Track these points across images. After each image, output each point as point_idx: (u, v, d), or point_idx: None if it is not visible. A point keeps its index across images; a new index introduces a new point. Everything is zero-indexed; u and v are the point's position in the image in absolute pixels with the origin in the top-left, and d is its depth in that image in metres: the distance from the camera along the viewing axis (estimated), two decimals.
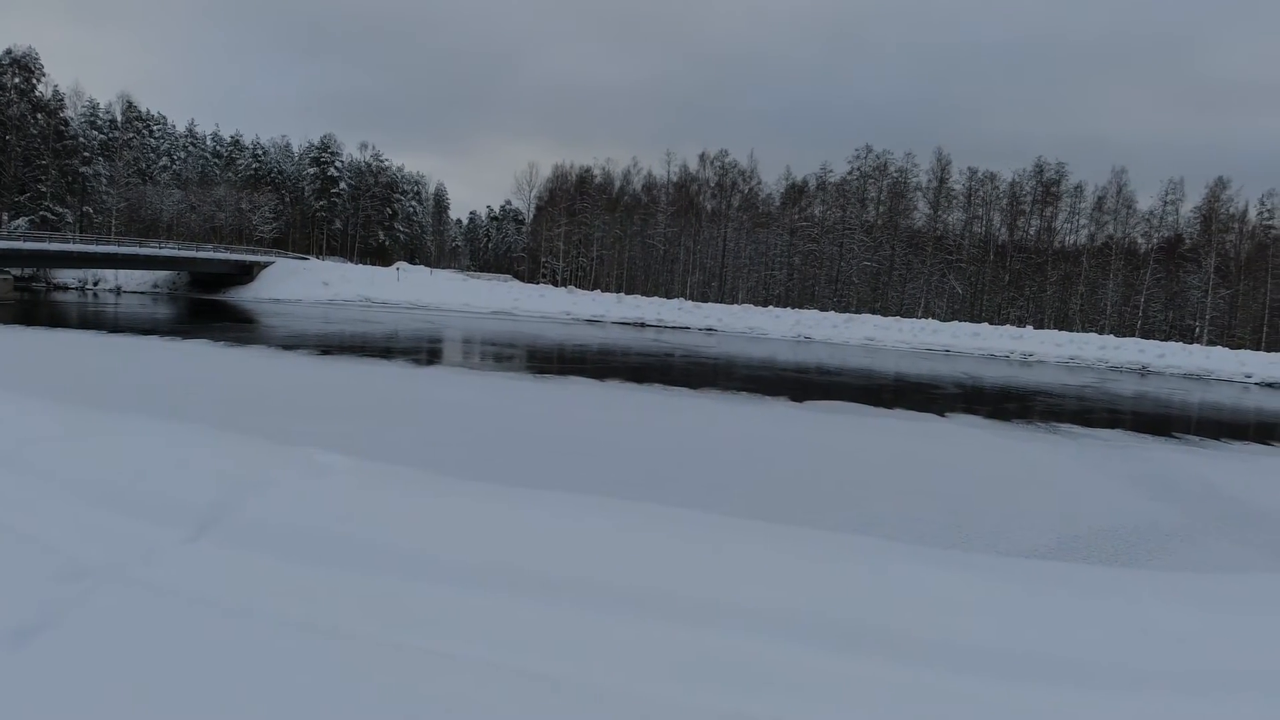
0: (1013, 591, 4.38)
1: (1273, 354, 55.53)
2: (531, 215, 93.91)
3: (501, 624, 3.71)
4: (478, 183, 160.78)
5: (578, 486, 7.65)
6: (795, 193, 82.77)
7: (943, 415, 17.07)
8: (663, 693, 3.30)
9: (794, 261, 79.27)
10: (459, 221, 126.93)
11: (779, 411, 15.34)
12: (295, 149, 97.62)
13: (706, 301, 67.50)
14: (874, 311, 67.90)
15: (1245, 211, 75.51)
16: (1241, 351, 53.16)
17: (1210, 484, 11.58)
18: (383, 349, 20.58)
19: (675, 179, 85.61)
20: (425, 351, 21.21)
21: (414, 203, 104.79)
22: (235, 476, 5.07)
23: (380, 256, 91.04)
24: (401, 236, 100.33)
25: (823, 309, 66.41)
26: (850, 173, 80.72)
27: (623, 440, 10.75)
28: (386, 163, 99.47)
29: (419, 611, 3.79)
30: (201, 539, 4.34)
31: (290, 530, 4.46)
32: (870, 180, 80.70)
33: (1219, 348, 55.35)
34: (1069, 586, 4.51)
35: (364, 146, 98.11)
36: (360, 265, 71.40)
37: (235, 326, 27.53)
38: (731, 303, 69.09)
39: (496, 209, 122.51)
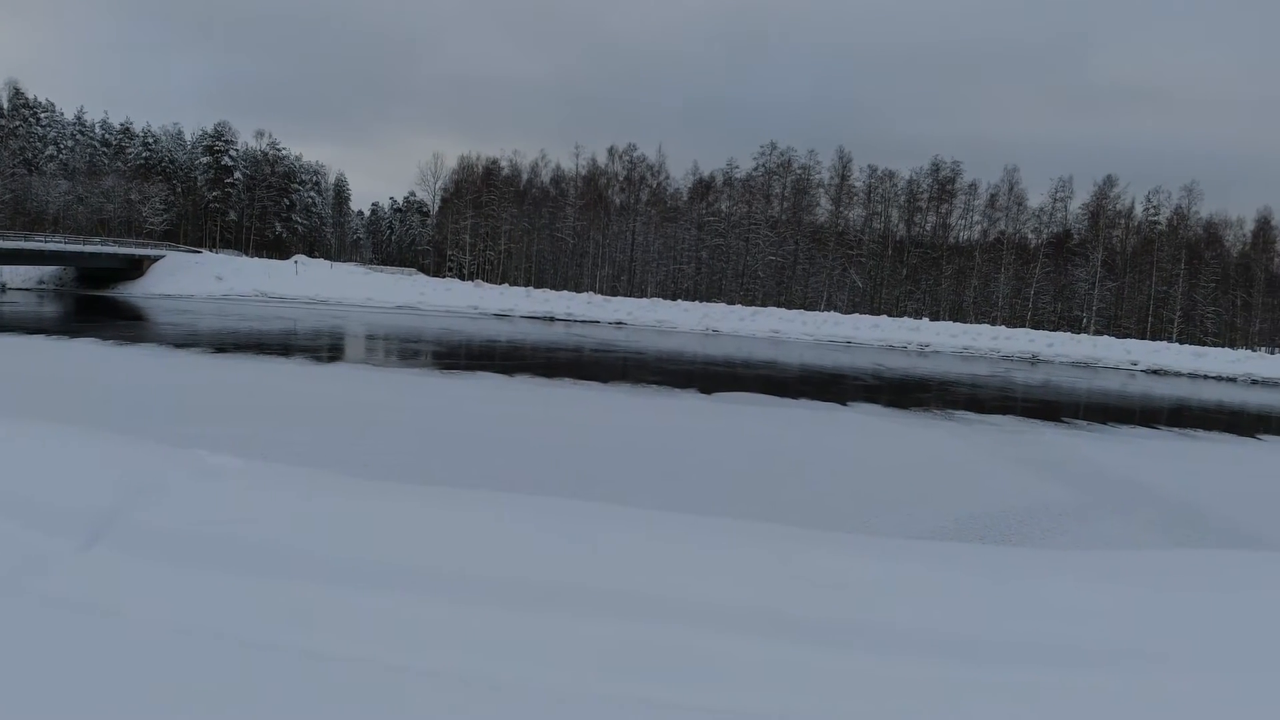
0: (916, 572, 4.50)
1: (1156, 342, 58.88)
2: (437, 207, 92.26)
3: (406, 624, 3.62)
4: (381, 173, 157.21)
5: (486, 483, 7.55)
6: (703, 188, 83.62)
7: (845, 405, 17.48)
8: (586, 687, 3.27)
9: (702, 256, 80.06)
10: (360, 213, 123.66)
11: (689, 404, 15.46)
12: (188, 137, 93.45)
13: (616, 295, 67.58)
14: (779, 305, 69.13)
15: (1131, 208, 79.77)
16: (1127, 340, 56.25)
17: (1099, 465, 12.16)
18: (280, 346, 19.93)
19: (584, 172, 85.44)
20: (325, 348, 20.64)
21: (313, 193, 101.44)
22: (126, 481, 4.83)
23: (277, 249, 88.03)
24: (300, 228, 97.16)
25: (730, 302, 67.22)
26: (756, 169, 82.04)
27: (532, 436, 10.66)
28: (284, 151, 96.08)
29: (316, 614, 3.67)
30: (95, 547, 4.12)
31: (183, 535, 4.27)
32: (775, 177, 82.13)
33: (1106, 337, 58.37)
34: (968, 566, 4.66)
35: (260, 134, 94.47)
36: (256, 259, 68.98)
37: (125, 324, 26.28)
38: (641, 296, 69.33)
39: (400, 200, 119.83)
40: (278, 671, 3.10)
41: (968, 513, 8.33)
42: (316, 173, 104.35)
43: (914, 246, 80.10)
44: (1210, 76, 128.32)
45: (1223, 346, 66.14)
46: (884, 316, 58.25)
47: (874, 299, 77.42)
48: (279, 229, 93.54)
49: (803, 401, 17.37)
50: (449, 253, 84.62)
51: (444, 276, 75.92)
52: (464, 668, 3.36)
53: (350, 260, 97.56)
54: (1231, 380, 42.29)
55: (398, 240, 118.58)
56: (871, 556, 4.44)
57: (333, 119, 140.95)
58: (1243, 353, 58.47)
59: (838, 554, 4.49)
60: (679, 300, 63.42)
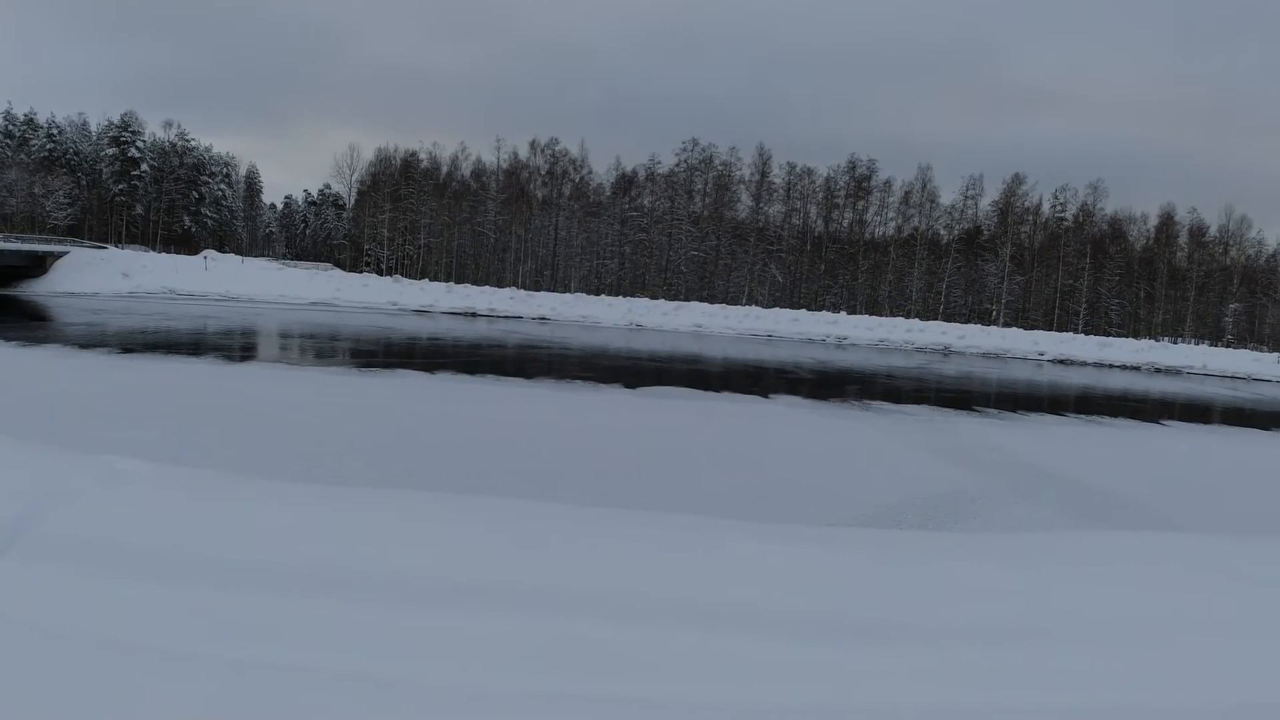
0: (835, 559, 4.62)
1: (1063, 334, 61.26)
2: (353, 200, 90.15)
3: (326, 626, 3.57)
4: (296, 166, 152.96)
5: (407, 482, 7.46)
6: (625, 183, 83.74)
7: (766, 397, 17.75)
8: (511, 684, 3.27)
9: (625, 251, 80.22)
10: (273, 206, 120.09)
11: (613, 398, 15.51)
12: (94, 128, 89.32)
13: (539, 290, 67.20)
14: (702, 299, 69.68)
15: (1039, 205, 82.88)
16: (1034, 332, 58.43)
17: (1008, 452, 12.62)
18: (190, 345, 19.30)
19: (505, 166, 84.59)
20: (237, 347, 20.06)
21: (223, 185, 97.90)
22: (32, 489, 4.65)
23: (186, 245, 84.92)
24: (210, 222, 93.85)
25: (653, 297, 67.49)
26: (678, 165, 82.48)
27: (454, 435, 10.57)
28: (193, 142, 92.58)
29: (232, 619, 3.60)
30: (3, 557, 3.96)
31: (95, 543, 4.13)
32: (697, 173, 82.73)
33: (1014, 329, 60.58)
34: (884, 551, 4.81)
35: (168, 125, 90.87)
36: (164, 254, 66.48)
37: (27, 324, 25.07)
38: (564, 291, 69.11)
39: (315, 193, 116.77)
40: (203, 681, 3.04)
41: (885, 500, 8.56)
42: (227, 164, 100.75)
43: (832, 242, 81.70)
44: (1113, 80, 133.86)
45: (1127, 337, 69.22)
46: (803, 311, 59.30)
47: (794, 293, 78.68)
48: (188, 223, 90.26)
49: (726, 395, 17.58)
50: (366, 247, 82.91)
51: (361, 272, 74.37)
52: (387, 670, 3.34)
53: (262, 255, 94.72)
54: (1135, 369, 44.24)
55: (312, 234, 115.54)
56: (790, 544, 4.54)
57: (246, 110, 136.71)
58: (1146, 343, 61.31)
59: (757, 543, 4.58)
60: (603, 295, 63.47)
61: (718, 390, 18.29)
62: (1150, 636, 4.15)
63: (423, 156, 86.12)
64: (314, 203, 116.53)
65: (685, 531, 4.77)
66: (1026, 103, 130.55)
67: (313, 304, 45.68)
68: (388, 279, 61.71)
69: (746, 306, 60.44)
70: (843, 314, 58.80)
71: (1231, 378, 44.07)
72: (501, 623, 3.66)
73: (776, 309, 59.86)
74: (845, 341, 45.64)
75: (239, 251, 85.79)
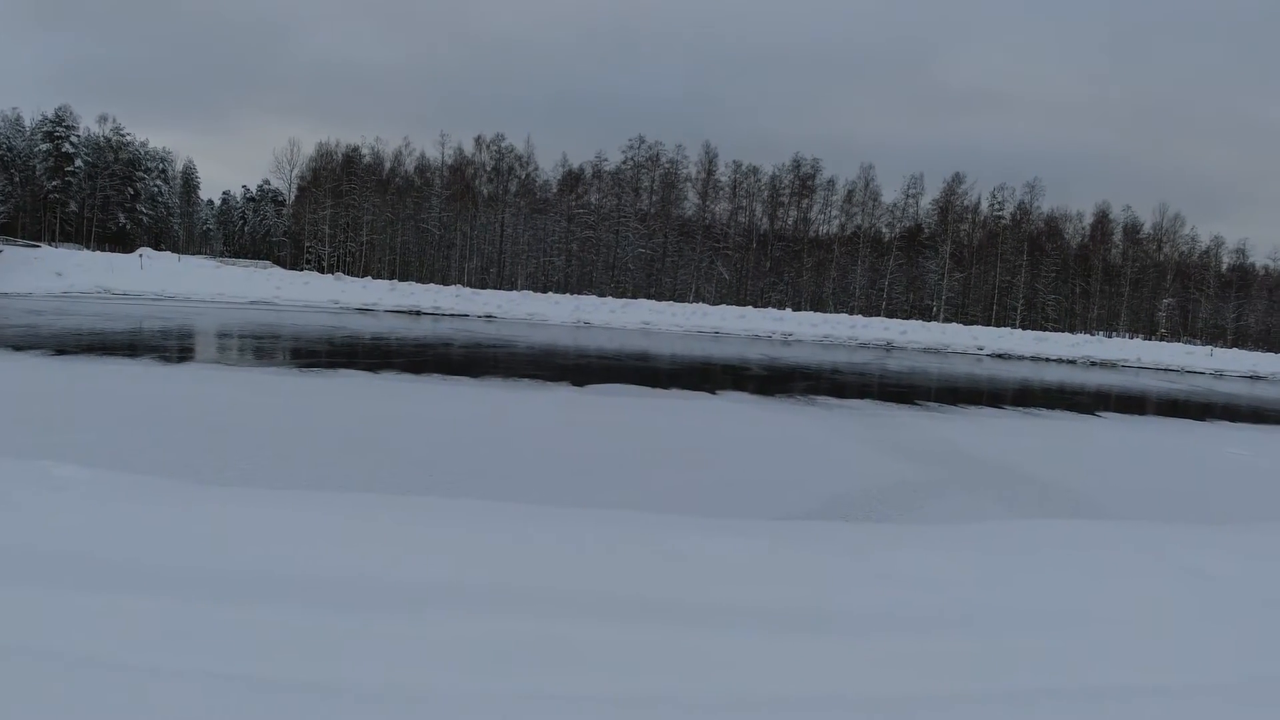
0: (785, 553, 4.69)
1: (1001, 329, 62.78)
2: (293, 196, 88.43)
3: (260, 633, 3.52)
4: (235, 161, 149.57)
5: (348, 485, 7.37)
6: (572, 180, 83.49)
7: (715, 393, 17.88)
8: (459, 683, 3.26)
9: (572, 248, 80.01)
10: (210, 203, 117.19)
11: (561, 396, 15.48)
12: (27, 123, 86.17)
13: (485, 288, 66.64)
14: (649, 296, 69.82)
15: (978, 204, 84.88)
16: (974, 327, 59.82)
17: (950, 444, 12.89)
18: (126, 346, 18.79)
19: (450, 162, 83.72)
20: (174, 348, 19.59)
21: (159, 181, 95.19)
22: None
23: (121, 242, 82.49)
24: (145, 219, 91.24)
25: (601, 294, 67.45)
26: (624, 162, 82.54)
27: (397, 435, 10.46)
28: (129, 137, 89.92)
29: (178, 629, 3.53)
30: None
31: (31, 551, 4.01)
32: (644, 170, 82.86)
33: (954, 324, 61.95)
34: (834, 543, 4.90)
35: (103, 119, 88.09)
36: (99, 252, 64.49)
37: None
38: (511, 289, 68.68)
39: (253, 189, 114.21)
40: (127, 690, 2.98)
41: (832, 492, 8.69)
42: (163, 160, 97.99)
43: (777, 240, 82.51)
44: (1049, 82, 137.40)
45: (1063, 332, 71.11)
46: (749, 307, 59.74)
47: (740, 290, 79.28)
48: (123, 220, 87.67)
49: (674, 391, 17.66)
50: (307, 244, 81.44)
51: (302, 270, 73.06)
52: (317, 676, 3.31)
53: (200, 253, 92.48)
54: (1071, 363, 45.42)
55: (251, 231, 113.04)
56: (740, 538, 4.60)
57: (185, 104, 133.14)
58: (1081, 337, 63.10)
59: (707, 537, 4.63)
60: (550, 293, 63.21)
61: (666, 387, 18.36)
62: (1088, 617, 4.29)
63: (365, 152, 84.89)
64: (253, 199, 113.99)
65: (636, 528, 4.80)
66: (965, 104, 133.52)
67: (252, 303, 44.73)
68: (329, 277, 60.65)
69: (694, 304, 60.71)
70: (788, 311, 59.45)
71: (1165, 370, 45.50)
72: (459, 624, 3.64)
73: (723, 306, 60.24)
74: (791, 338, 46.11)
75: (175, 249, 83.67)
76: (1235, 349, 69.59)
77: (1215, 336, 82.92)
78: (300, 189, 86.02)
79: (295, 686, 3.09)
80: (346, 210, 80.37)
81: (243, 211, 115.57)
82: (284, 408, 11.69)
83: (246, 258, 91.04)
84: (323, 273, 69.60)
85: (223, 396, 12.40)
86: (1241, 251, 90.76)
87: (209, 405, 11.50)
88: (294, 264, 79.65)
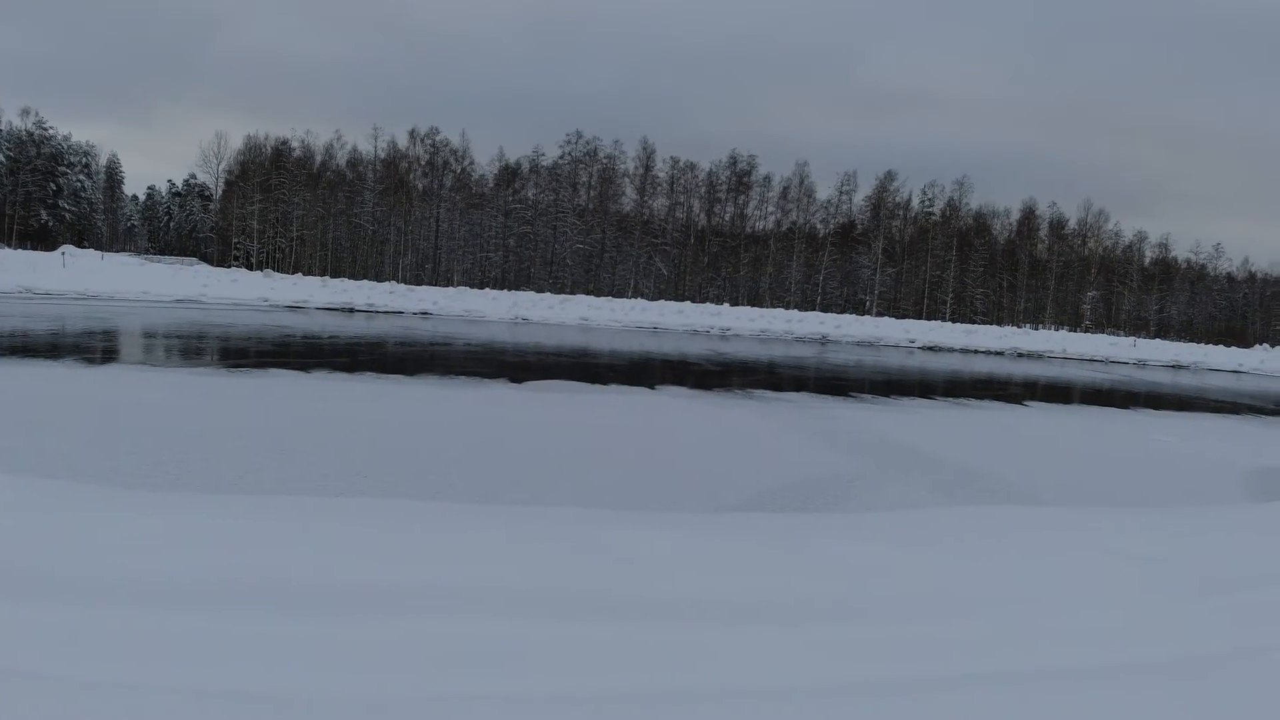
0: (719, 545, 4.68)
1: (932, 322, 64.24)
2: (220, 191, 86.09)
3: (196, 641, 3.39)
4: (161, 155, 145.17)
5: (277, 489, 7.18)
6: (509, 174, 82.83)
7: (653, 388, 17.88)
8: (407, 687, 3.17)
9: (509, 244, 79.43)
10: (135, 198, 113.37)
11: (498, 393, 15.32)
12: None
13: (420, 284, 65.79)
14: (588, 292, 69.71)
15: (909, 201, 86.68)
16: (906, 321, 61.13)
17: (883, 434, 13.08)
18: (48, 347, 18.08)
19: (384, 155, 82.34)
20: (99, 349, 18.91)
21: (82, 176, 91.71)
22: None
23: (43, 240, 79.41)
24: (68, 216, 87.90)
25: (539, 290, 67.11)
26: (562, 157, 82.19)
27: (328, 435, 10.22)
28: (51, 131, 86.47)
29: (95, 638, 3.37)
30: None
31: None
32: (581, 165, 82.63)
33: (887, 318, 63.21)
34: (769, 535, 4.90)
35: (26, 113, 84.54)
36: (20, 250, 62.00)
37: None
38: (447, 285, 67.87)
39: (179, 184, 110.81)
40: (58, 700, 2.83)
41: (768, 485, 8.74)
42: (87, 154, 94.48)
43: (714, 235, 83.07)
44: (974, 81, 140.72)
45: (991, 324, 73.01)
46: (688, 303, 60.03)
47: (678, 286, 79.61)
48: (45, 217, 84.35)
49: (613, 387, 17.62)
50: (235, 240, 79.37)
51: (229, 266, 71.21)
52: (251, 685, 3.19)
53: (124, 250, 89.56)
54: (999, 354, 46.55)
55: (177, 228, 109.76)
56: (676, 532, 4.57)
57: (109, 96, 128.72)
58: (1009, 329, 64.83)
59: (644, 531, 4.59)
60: (487, 289, 62.65)
61: (606, 383, 18.31)
62: (1013, 604, 4.36)
63: (295, 145, 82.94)
64: (178, 194, 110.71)
65: (572, 524, 4.74)
66: (895, 103, 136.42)
67: (178, 301, 43.43)
68: (258, 273, 59.17)
69: (633, 299, 60.79)
70: (726, 306, 59.89)
71: (1090, 360, 46.92)
72: (401, 628, 3.55)
73: (662, 301, 60.42)
74: (729, 332, 46.42)
75: (99, 247, 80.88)
76: (1158, 340, 72.34)
77: (1138, 328, 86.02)
78: (228, 183, 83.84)
79: (221, 695, 2.97)
80: (276, 205, 78.45)
81: (168, 207, 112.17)
82: (212, 409, 11.35)
83: (172, 255, 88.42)
84: (251, 269, 67.96)
85: (148, 398, 11.99)
86: (1164, 246, 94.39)
87: (134, 407, 11.11)
88: (221, 261, 77.62)
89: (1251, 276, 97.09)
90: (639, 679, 3.31)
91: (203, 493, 6.59)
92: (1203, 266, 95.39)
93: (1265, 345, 71.65)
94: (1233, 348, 63.78)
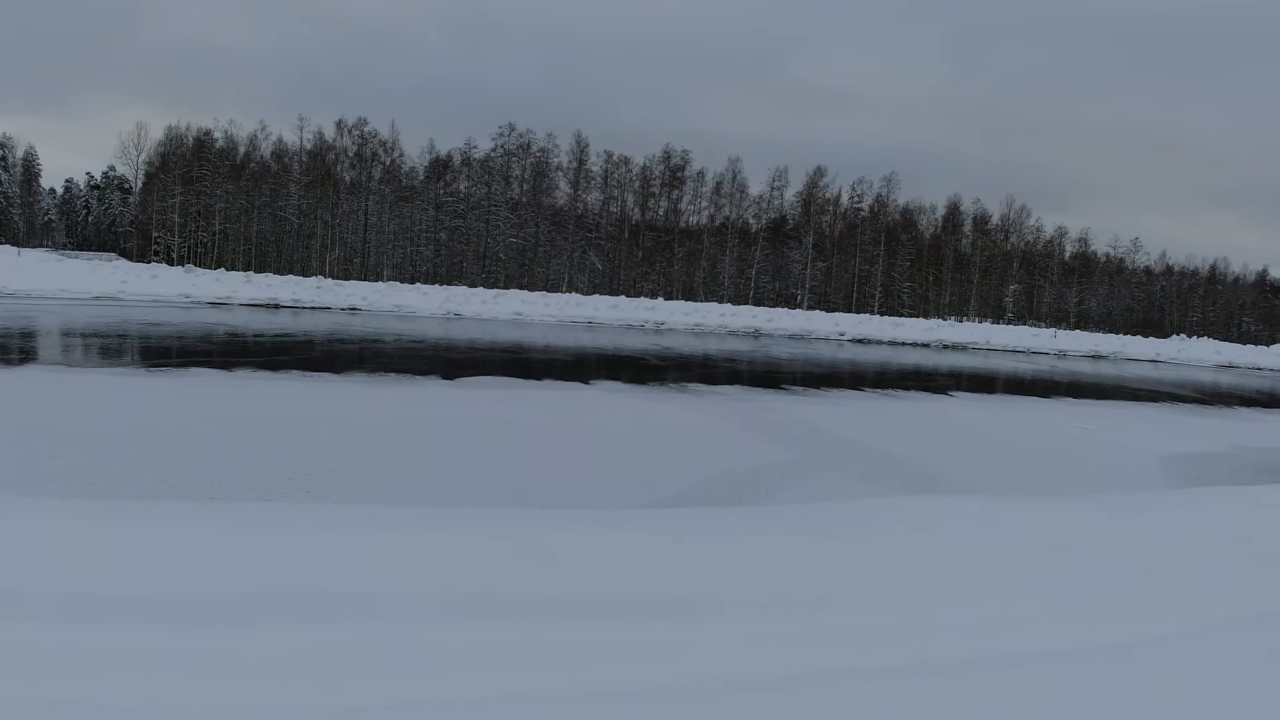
0: (649, 540, 4.65)
1: (860, 315, 65.45)
2: (140, 183, 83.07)
3: (90, 652, 3.24)
4: (81, 147, 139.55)
5: (198, 494, 6.95)
6: (440, 167, 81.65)
7: (588, 383, 17.82)
8: (311, 696, 3.07)
9: (441, 237, 78.37)
10: (53, 191, 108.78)
11: (430, 391, 15.09)
12: None
13: (349, 279, 64.49)
14: (522, 287, 69.21)
15: (838, 196, 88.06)
16: (835, 314, 62.20)
17: (815, 426, 13.24)
18: None
19: (310, 147, 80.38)
20: (13, 349, 18.12)
21: None
22: None
23: None
24: None
25: (472, 285, 66.39)
26: (494, 150, 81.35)
27: (250, 436, 9.93)
28: None
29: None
30: None
31: None
32: (514, 159, 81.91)
33: (817, 311, 64.26)
34: (698, 529, 4.89)
35: None
36: None
37: None
38: (376, 280, 66.74)
39: (98, 176, 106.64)
40: None
41: (701, 478, 8.76)
42: (2, 146, 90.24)
43: (649, 230, 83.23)
44: (903, 82, 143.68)
45: (917, 317, 74.66)
46: (623, 297, 60.08)
47: (613, 280, 79.57)
48: None
49: (547, 383, 17.51)
50: (155, 235, 76.74)
51: (149, 262, 68.89)
52: (162, 698, 3.06)
53: (41, 246, 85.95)
54: (926, 346, 47.57)
55: (95, 222, 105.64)
56: (607, 528, 4.53)
57: (25, 86, 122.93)
58: (935, 322, 66.42)
59: (571, 530, 4.54)
60: (418, 284, 61.72)
61: (540, 378, 18.18)
62: (946, 588, 4.42)
63: (218, 135, 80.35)
64: (97, 186, 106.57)
65: (499, 524, 4.66)
66: (824, 101, 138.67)
67: (96, 298, 41.86)
68: (179, 269, 57.36)
69: (567, 294, 60.56)
70: (660, 300, 60.11)
71: (1013, 351, 48.24)
72: (313, 635, 3.43)
73: (597, 296, 60.35)
74: (663, 326, 46.56)
75: (15, 242, 77.51)
76: (1077, 330, 74.86)
77: (1059, 319, 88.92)
78: (148, 176, 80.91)
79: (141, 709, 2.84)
80: (198, 198, 76.03)
81: (87, 200, 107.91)
82: (129, 411, 10.94)
83: (90, 250, 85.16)
84: (172, 265, 65.86)
85: (62, 401, 11.51)
86: (1084, 240, 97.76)
87: (46, 410, 10.65)
88: (141, 256, 75.02)
89: (1169, 270, 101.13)
90: (551, 679, 3.27)
91: (115, 499, 6.34)
92: (1121, 260, 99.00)
93: (1182, 335, 74.62)
94: (1150, 338, 66.24)
